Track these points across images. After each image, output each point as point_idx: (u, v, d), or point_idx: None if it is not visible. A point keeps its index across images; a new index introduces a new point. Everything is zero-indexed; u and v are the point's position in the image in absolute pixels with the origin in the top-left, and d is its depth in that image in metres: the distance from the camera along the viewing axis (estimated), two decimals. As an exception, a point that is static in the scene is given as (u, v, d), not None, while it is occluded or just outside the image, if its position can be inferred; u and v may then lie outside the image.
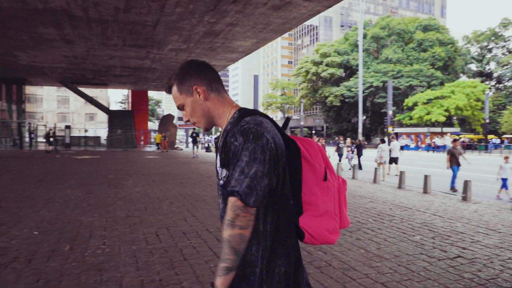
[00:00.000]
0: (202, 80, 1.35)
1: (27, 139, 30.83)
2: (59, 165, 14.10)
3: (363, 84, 46.89)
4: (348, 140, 19.84)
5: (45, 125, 36.93)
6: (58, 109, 62.78)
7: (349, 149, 17.28)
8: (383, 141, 14.32)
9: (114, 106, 68.45)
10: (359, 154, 15.62)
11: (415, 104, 43.70)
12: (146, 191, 8.23)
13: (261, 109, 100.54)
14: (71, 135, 31.12)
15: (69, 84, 32.42)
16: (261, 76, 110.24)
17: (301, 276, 1.32)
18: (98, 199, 6.94)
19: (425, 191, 9.06)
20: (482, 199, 8.17)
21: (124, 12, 14.48)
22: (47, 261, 3.57)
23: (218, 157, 1.28)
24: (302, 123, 51.27)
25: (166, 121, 31.22)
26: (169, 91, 1.38)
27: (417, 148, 40.49)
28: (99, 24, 16.10)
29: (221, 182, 1.28)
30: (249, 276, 1.23)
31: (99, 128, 47.13)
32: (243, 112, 1.29)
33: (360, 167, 14.68)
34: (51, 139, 24.78)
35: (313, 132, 75.24)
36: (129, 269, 3.32)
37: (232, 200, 1.17)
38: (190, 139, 27.72)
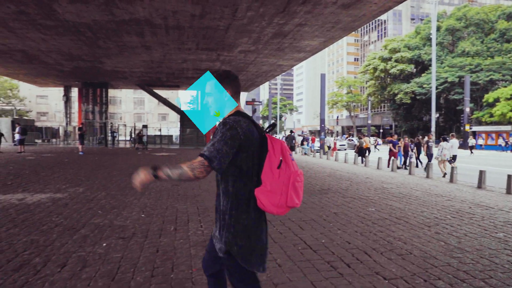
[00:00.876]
0: (231, 88, 1.93)
1: (109, 138, 33.86)
2: (143, 160, 15.49)
3: (437, 80, 44.26)
4: (406, 139, 19.44)
5: (124, 124, 40.24)
6: (135, 110, 67.75)
7: (410, 148, 17.32)
8: (444, 139, 14.18)
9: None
10: (418, 152, 16.23)
11: (497, 100, 40.21)
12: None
13: (326, 107, 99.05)
14: (147, 134, 33.59)
15: (145, 86, 34.96)
16: (326, 74, 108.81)
17: (261, 232, 1.87)
18: (185, 190, 7.67)
19: (509, 191, 8.59)
20: None
21: (199, 18, 15.43)
22: (159, 238, 4.22)
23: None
24: (369, 121, 49.74)
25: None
26: None
27: (498, 147, 37.31)
28: (176, 30, 17.29)
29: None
30: (223, 221, 1.84)
31: (171, 127, 50.01)
32: (234, 112, 1.90)
33: (417, 165, 16.12)
34: (142, 138, 26.87)
35: (381, 131, 72.53)
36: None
37: (199, 159, 1.76)
38: None
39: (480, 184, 9.45)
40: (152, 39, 18.87)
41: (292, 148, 21.77)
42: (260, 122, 77.54)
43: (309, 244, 4.12)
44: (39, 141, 34.92)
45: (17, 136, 19.65)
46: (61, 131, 37.95)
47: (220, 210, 1.85)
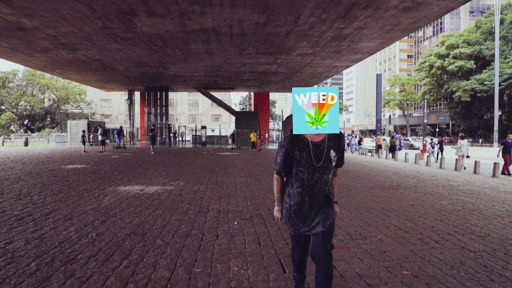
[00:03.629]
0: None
1: (172, 138, 36.05)
2: (213, 159, 16.84)
3: (500, 76, 42.12)
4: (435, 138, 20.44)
5: (184, 126, 42.49)
6: (189, 111, 70.85)
7: (431, 145, 20.16)
8: (462, 138, 16.44)
9: (234, 108, 74.14)
10: (441, 149, 19.44)
11: None
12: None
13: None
14: (206, 134, 35.37)
15: (202, 89, 36.83)
16: (376, 72, 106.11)
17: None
18: (269, 185, 8.58)
19: None
20: None
21: (263, 25, 16.48)
22: (274, 220, 5.17)
23: (331, 150, 2.42)
24: (425, 120, 48.36)
25: (290, 121, 32.84)
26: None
27: None
28: (239, 37, 18.48)
29: (333, 162, 2.46)
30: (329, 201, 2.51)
31: (226, 128, 51.83)
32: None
33: (436, 159, 19.61)
34: (155, 137, 25.26)
35: (437, 130, 69.76)
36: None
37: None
38: None
39: (551, 183, 9.58)
40: (216, 46, 20.23)
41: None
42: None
43: (398, 226, 4.90)
44: (107, 141, 37.98)
45: (99, 137, 22.00)
46: (125, 132, 40.85)
47: (325, 197, 2.44)
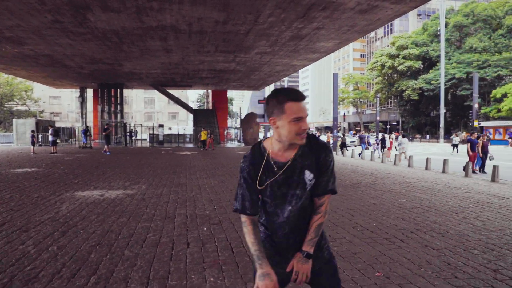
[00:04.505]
0: None
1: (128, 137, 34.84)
2: (173, 160, 16.48)
3: (444, 76, 44.88)
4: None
5: (140, 124, 41.25)
6: (145, 109, 68.94)
7: (375, 141, 21.91)
8: (403, 136, 18.18)
9: (191, 105, 73.20)
10: (383, 146, 21.26)
11: (505, 95, 40.87)
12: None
13: (332, 105, 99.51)
14: (163, 133, 34.59)
15: (159, 86, 35.93)
16: (332, 70, 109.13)
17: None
18: (233, 186, 8.55)
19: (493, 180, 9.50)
20: None
21: (222, 24, 16.34)
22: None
23: (306, 171, 1.64)
24: (378, 118, 50.49)
25: (250, 119, 33.04)
26: (304, 98, 1.62)
27: (506, 142, 37.96)
28: (198, 35, 18.19)
29: (310, 187, 1.66)
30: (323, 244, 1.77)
31: (183, 126, 50.98)
32: (308, 134, 1.70)
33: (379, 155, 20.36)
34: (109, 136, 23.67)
35: (388, 127, 73.13)
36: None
37: (327, 196, 1.68)
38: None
39: (494, 178, 10.34)
40: (174, 43, 19.79)
41: None
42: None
43: (365, 226, 5.05)
44: (58, 141, 36.03)
45: (50, 138, 20.77)
46: (77, 131, 39.00)
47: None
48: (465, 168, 11.64)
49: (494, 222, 5.45)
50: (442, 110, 41.83)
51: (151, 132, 34.88)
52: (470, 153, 13.27)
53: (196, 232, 4.73)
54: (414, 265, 3.60)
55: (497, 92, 41.86)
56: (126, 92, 57.98)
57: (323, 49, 21.71)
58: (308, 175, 1.63)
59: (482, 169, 13.21)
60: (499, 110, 41.73)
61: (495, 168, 10.46)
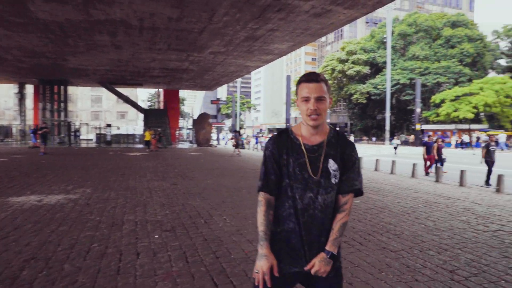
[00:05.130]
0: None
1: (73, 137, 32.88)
2: (121, 161, 15.66)
3: (390, 81, 47.22)
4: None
5: (86, 123, 39.13)
6: (92, 108, 65.62)
7: None
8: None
9: (141, 105, 70.91)
10: None
11: (443, 101, 43.78)
12: (219, 182, 9.56)
13: (284, 106, 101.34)
14: (111, 133, 33.06)
15: (107, 84, 34.29)
16: (284, 73, 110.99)
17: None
18: (186, 189, 8.27)
19: (461, 184, 10.05)
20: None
21: (176, 21, 15.84)
22: (197, 229, 4.87)
23: (330, 159, 1.64)
24: (328, 120, 52.06)
25: (202, 120, 32.55)
26: (316, 81, 1.61)
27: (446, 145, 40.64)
28: (150, 31, 17.51)
29: (334, 179, 1.64)
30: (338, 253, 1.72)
31: (133, 126, 49.19)
32: (336, 130, 1.75)
33: None
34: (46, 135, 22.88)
35: (337, 128, 75.41)
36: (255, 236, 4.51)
37: (352, 195, 1.68)
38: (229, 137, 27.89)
39: (438, 179, 10.89)
40: (124, 39, 18.91)
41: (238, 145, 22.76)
42: (225, 121, 78.20)
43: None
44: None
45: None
46: (14, 130, 36.23)
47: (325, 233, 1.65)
48: (433, 171, 12.27)
49: (444, 221, 5.63)
50: (388, 113, 43.90)
51: (98, 132, 33.16)
52: (425, 156, 13.32)
53: (147, 240, 4.38)
54: (375, 269, 3.55)
55: (436, 97, 44.74)
56: (71, 89, 54.80)
57: (277, 50, 21.84)
58: (332, 165, 1.63)
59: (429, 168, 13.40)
60: (437, 115, 44.62)
61: (438, 169, 11.01)
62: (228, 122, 76.59)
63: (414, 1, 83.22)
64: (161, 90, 46.93)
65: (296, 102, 1.70)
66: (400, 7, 79.56)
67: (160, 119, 35.79)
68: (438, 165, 12.17)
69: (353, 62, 55.15)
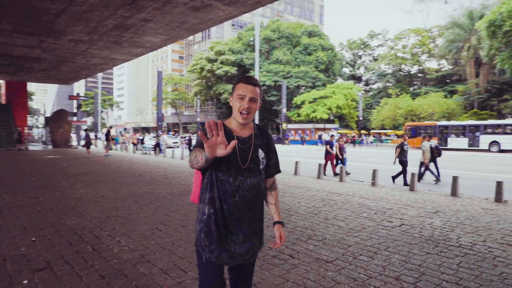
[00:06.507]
0: None
1: None
2: None
3: (257, 82, 49.39)
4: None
5: None
6: None
7: (184, 141, 23.22)
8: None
9: None
10: (189, 146, 22.54)
11: (303, 103, 48.04)
12: (94, 191, 7.97)
13: (150, 105, 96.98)
14: None
15: None
16: (150, 70, 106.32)
17: None
18: (53, 203, 6.52)
19: (341, 180, 10.73)
20: (384, 184, 10.07)
21: (26, -4, 13.14)
22: (86, 262, 3.57)
23: (259, 149, 1.92)
24: (198, 119, 51.71)
25: (59, 117, 28.08)
26: (254, 84, 1.83)
27: (310, 142, 44.60)
28: (-12, 6, 14.18)
29: (261, 165, 1.93)
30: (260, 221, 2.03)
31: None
32: (257, 124, 2.02)
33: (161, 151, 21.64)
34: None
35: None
36: (169, 263, 3.62)
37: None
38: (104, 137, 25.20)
39: (319, 175, 11.43)
40: None
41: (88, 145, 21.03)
42: (86, 119, 69.97)
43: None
44: None
45: None
46: None
47: (251, 212, 1.87)
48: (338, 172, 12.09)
49: (352, 220, 5.64)
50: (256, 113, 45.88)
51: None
52: (332, 154, 12.83)
53: None
54: (320, 286, 3.09)
55: (298, 99, 48.86)
56: None
57: (148, 44, 20.32)
58: (261, 154, 1.93)
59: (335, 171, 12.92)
60: (299, 115, 48.76)
61: (320, 166, 11.56)
62: (89, 121, 69.32)
63: (275, 10, 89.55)
64: (2, 81, 39.33)
65: (230, 98, 1.90)
66: (263, 14, 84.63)
67: (3, 116, 29.86)
68: (341, 165, 12.16)
69: (221, 62, 55.99)
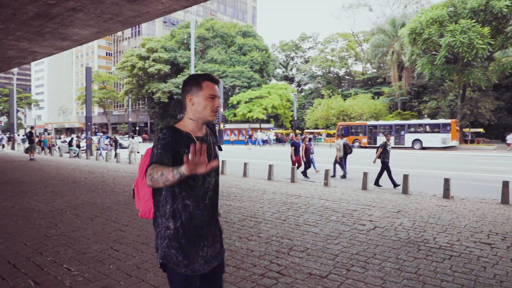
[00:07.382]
0: None
1: None
2: None
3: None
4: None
5: None
6: None
7: (108, 142, 22.36)
8: (133, 137, 19.75)
9: None
10: (116, 147, 21.97)
11: (239, 103, 47.86)
12: (21, 203, 6.76)
13: (75, 104, 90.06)
14: None
15: None
16: (73, 66, 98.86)
17: None
18: (17, 214, 5.33)
19: (293, 180, 10.55)
20: (337, 184, 10.08)
21: None
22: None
23: (215, 146, 1.93)
24: (130, 119, 48.97)
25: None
26: (218, 82, 1.87)
27: (242, 142, 44.51)
28: None
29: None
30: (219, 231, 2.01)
31: None
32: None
33: (115, 155, 19.55)
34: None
35: (137, 128, 72.44)
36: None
37: None
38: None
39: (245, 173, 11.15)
40: None
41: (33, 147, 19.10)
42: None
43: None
44: None
45: None
46: None
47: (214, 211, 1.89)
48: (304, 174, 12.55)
49: (324, 225, 5.38)
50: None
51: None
52: (294, 157, 12.44)
53: None
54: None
55: (234, 99, 48.57)
56: None
57: (76, 36, 18.53)
58: (217, 150, 1.95)
59: (304, 172, 12.58)
60: (235, 115, 48.50)
61: (270, 167, 11.28)
62: (3, 121, 62.15)
63: (208, 9, 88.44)
64: None
65: (189, 97, 1.82)
66: (196, 12, 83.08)
67: None
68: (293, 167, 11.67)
69: (154, 60, 53.70)
